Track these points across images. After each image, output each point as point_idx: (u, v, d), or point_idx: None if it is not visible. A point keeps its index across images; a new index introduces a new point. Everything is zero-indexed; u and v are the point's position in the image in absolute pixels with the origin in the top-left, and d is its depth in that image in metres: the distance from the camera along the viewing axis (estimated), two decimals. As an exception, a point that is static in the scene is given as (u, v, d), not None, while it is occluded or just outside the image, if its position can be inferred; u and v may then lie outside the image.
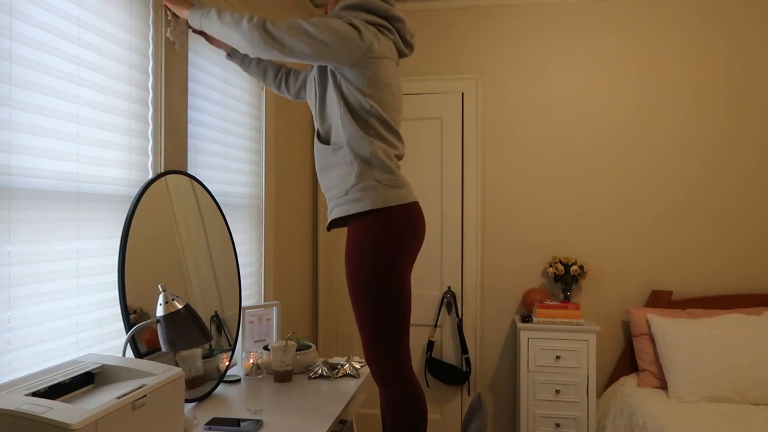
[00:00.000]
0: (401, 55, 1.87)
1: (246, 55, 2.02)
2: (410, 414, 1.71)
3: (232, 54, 2.06)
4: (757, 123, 3.16)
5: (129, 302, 1.60)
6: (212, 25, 1.71)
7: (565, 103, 3.34)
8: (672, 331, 2.84)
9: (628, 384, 2.98)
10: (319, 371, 2.09)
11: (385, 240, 1.67)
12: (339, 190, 1.73)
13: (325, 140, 1.78)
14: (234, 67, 2.46)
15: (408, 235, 1.71)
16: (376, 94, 1.71)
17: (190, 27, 1.94)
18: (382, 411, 1.82)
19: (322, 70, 1.76)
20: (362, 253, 1.68)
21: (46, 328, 1.44)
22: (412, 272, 3.46)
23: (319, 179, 1.84)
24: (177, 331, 1.48)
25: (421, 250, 3.46)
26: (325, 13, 1.91)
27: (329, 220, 1.79)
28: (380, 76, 1.71)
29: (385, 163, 1.70)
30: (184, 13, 1.82)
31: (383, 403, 1.76)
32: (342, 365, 2.11)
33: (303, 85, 2.07)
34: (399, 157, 1.80)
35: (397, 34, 1.82)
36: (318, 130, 1.81)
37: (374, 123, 1.71)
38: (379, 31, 1.75)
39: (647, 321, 3.01)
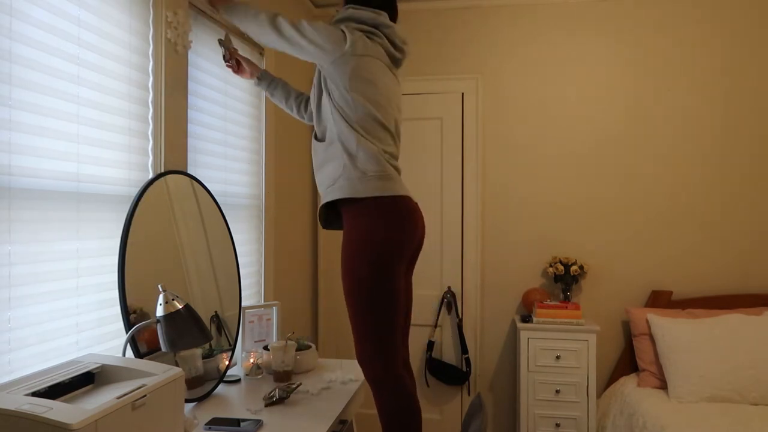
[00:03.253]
0: (393, 59, 1.93)
1: (272, 81, 2.17)
2: (402, 416, 1.69)
3: (260, 79, 2.17)
4: (757, 123, 3.16)
5: (129, 302, 1.60)
6: (238, 14, 1.89)
7: (565, 103, 3.34)
8: (672, 331, 2.84)
9: (628, 384, 2.98)
10: (275, 396, 1.86)
11: (376, 234, 1.70)
12: (328, 181, 1.80)
13: (320, 139, 1.87)
14: (234, 67, 2.46)
15: (399, 228, 1.73)
16: (359, 88, 1.77)
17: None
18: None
19: (318, 77, 1.86)
20: (353, 249, 1.71)
21: (46, 328, 1.44)
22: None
23: (315, 180, 1.89)
24: (177, 331, 1.48)
25: (421, 250, 3.45)
26: None
27: (318, 212, 1.85)
28: (361, 72, 1.78)
29: (371, 155, 1.75)
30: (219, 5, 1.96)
31: (376, 406, 1.75)
32: (294, 385, 1.92)
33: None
34: (392, 156, 1.84)
35: (385, 39, 1.89)
36: (315, 131, 1.89)
37: (361, 119, 1.77)
38: (368, 36, 1.85)
39: (647, 321, 3.01)
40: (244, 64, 2.15)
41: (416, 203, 1.85)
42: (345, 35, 1.78)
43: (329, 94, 1.80)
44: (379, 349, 1.70)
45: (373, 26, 1.87)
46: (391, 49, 1.91)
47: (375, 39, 1.86)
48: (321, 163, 1.84)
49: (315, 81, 1.88)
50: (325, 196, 1.80)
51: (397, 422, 1.70)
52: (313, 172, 3.49)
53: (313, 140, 1.89)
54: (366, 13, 1.86)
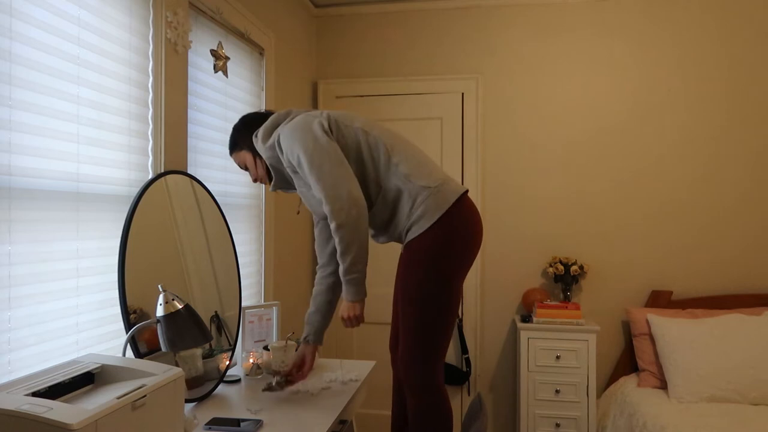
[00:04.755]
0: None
1: (321, 322, 2.03)
2: (438, 425, 1.72)
3: (316, 339, 2.04)
4: (757, 122, 3.16)
5: (129, 302, 1.60)
6: (358, 283, 1.75)
7: (565, 104, 3.34)
8: (672, 331, 2.83)
9: (628, 384, 2.98)
10: (272, 383, 1.96)
11: (456, 242, 1.70)
12: (404, 221, 1.76)
13: (370, 204, 1.81)
14: (233, 67, 2.46)
15: (474, 228, 1.74)
16: (359, 123, 1.80)
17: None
18: (395, 419, 1.83)
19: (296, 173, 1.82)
20: (424, 261, 1.70)
21: (46, 328, 1.44)
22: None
23: (380, 240, 1.87)
24: (177, 331, 1.48)
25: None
26: (255, 180, 1.97)
27: (404, 245, 1.79)
28: (342, 117, 1.80)
29: (420, 168, 1.75)
30: (355, 309, 1.80)
31: (411, 412, 1.76)
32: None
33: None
34: (414, 153, 1.83)
35: (302, 110, 1.89)
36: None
37: (381, 143, 1.77)
38: (292, 119, 1.82)
39: (647, 321, 3.01)
40: (307, 363, 2.00)
41: (467, 190, 1.81)
42: (315, 137, 1.71)
43: (356, 161, 1.78)
44: (430, 356, 1.72)
45: (287, 116, 1.85)
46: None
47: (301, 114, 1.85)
48: (387, 220, 1.80)
49: (305, 190, 1.82)
50: (410, 229, 1.75)
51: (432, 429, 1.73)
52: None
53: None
54: (273, 117, 1.84)
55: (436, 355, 1.73)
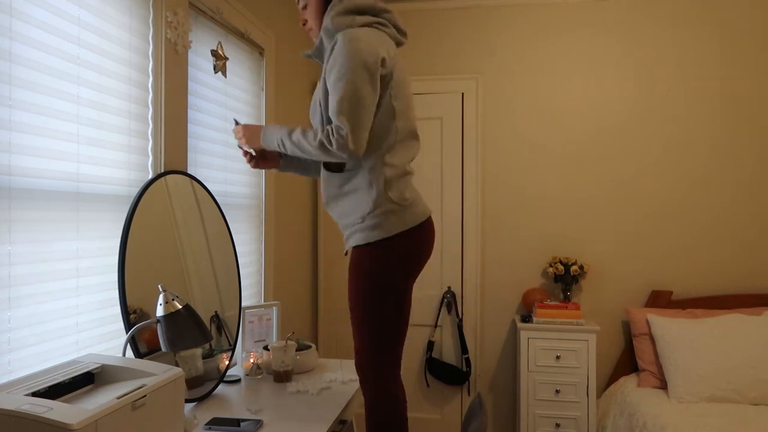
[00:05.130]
0: (399, 43, 1.79)
1: (291, 162, 1.94)
2: (388, 428, 1.65)
3: (283, 166, 1.95)
4: (757, 121, 3.16)
5: (129, 302, 1.60)
6: (286, 148, 1.67)
7: (565, 104, 3.34)
8: (672, 331, 2.83)
9: (628, 384, 2.98)
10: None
11: (397, 264, 1.62)
12: (354, 217, 1.65)
13: (335, 167, 1.68)
14: (234, 67, 2.46)
15: (420, 255, 1.66)
16: (401, 104, 1.64)
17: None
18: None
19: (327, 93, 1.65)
20: (369, 275, 1.62)
21: (46, 328, 1.44)
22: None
23: (328, 210, 1.74)
24: (177, 331, 1.48)
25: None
26: (304, 24, 1.78)
27: (346, 249, 1.72)
28: (398, 94, 1.64)
29: (401, 180, 1.64)
30: (256, 143, 1.75)
31: (365, 416, 1.70)
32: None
33: None
34: (411, 160, 1.73)
35: (391, 26, 1.73)
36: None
37: (392, 141, 1.63)
38: (377, 28, 1.67)
39: (647, 321, 3.01)
40: (265, 155, 1.91)
41: (430, 214, 1.73)
42: (371, 76, 1.55)
43: None
44: (380, 359, 1.64)
45: (375, 15, 1.68)
46: (397, 35, 1.74)
47: (383, 29, 1.68)
48: (341, 194, 1.68)
49: (320, 100, 1.66)
50: (354, 234, 1.65)
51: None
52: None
53: (324, 170, 1.71)
54: (363, 1, 1.65)
55: (387, 361, 1.65)
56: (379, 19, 1.68)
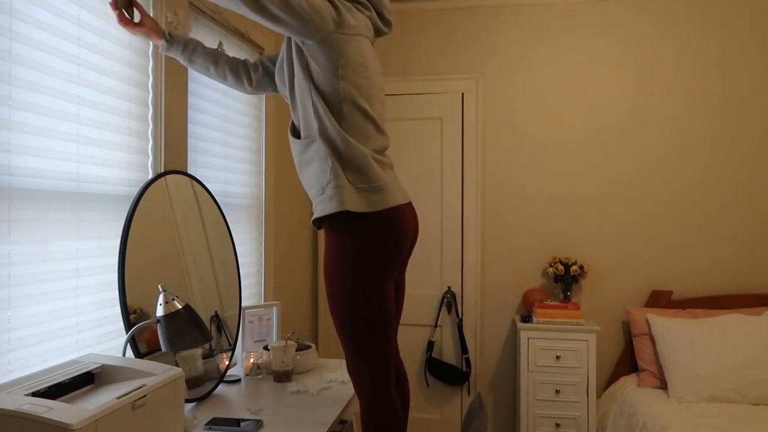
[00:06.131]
0: (379, 33, 1.73)
1: (187, 43, 1.75)
2: (382, 430, 1.60)
3: (169, 42, 1.74)
4: (757, 121, 3.16)
5: (129, 302, 1.60)
6: None
7: (565, 103, 3.34)
8: (672, 331, 2.83)
9: (628, 384, 2.98)
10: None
11: (362, 252, 1.52)
12: (316, 188, 1.57)
13: (297, 133, 1.62)
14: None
15: (388, 245, 1.55)
16: (351, 77, 1.53)
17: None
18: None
19: (291, 54, 1.58)
20: (337, 266, 1.55)
21: (46, 328, 1.44)
22: (412, 273, 3.46)
23: (299, 178, 1.68)
24: (177, 331, 1.48)
25: (421, 250, 3.46)
26: None
27: (312, 221, 1.64)
28: (354, 54, 1.54)
29: (359, 162, 1.53)
30: None
31: (361, 418, 1.65)
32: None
33: (266, 74, 1.84)
34: (380, 151, 1.62)
35: (373, 10, 1.68)
36: (292, 121, 1.64)
37: (349, 112, 1.54)
38: (355, 7, 1.61)
39: (647, 321, 3.01)
40: (144, 18, 1.68)
41: (408, 203, 1.63)
42: (333, 6, 1.51)
43: (311, 78, 1.53)
44: (368, 360, 1.58)
45: None
46: (378, 22, 1.69)
47: (363, 11, 1.63)
48: (304, 163, 1.60)
49: (285, 55, 1.59)
50: (316, 207, 1.58)
51: None
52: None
53: (290, 135, 1.65)
54: None
55: (376, 365, 1.59)
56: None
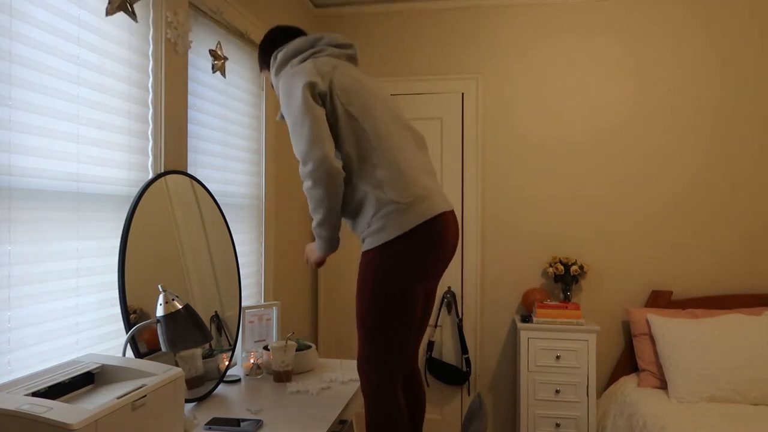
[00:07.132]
0: (349, 58, 1.83)
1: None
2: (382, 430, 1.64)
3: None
4: (756, 121, 3.16)
5: (129, 302, 1.60)
6: (324, 232, 1.70)
7: (565, 104, 3.34)
8: (672, 331, 2.83)
9: (628, 384, 2.98)
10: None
11: (401, 256, 1.60)
12: (362, 226, 1.67)
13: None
14: (234, 67, 2.46)
15: (431, 256, 1.62)
16: (357, 107, 1.66)
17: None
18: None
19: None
20: (376, 264, 1.62)
21: (46, 328, 1.44)
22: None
23: (350, 227, 1.77)
24: (177, 331, 1.48)
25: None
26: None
27: (362, 252, 1.71)
28: (346, 87, 1.67)
29: (399, 177, 1.62)
30: (319, 255, 1.79)
31: (366, 422, 1.69)
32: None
33: None
34: (410, 154, 1.69)
35: (328, 47, 1.79)
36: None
37: (369, 135, 1.64)
38: (314, 57, 1.74)
39: (647, 321, 3.01)
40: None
41: (450, 212, 1.69)
42: (307, 106, 1.61)
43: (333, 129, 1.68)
44: (383, 365, 1.63)
45: (311, 47, 1.77)
46: (342, 51, 1.80)
47: (319, 55, 1.75)
48: (348, 214, 1.71)
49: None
50: (366, 238, 1.65)
51: None
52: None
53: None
54: (295, 43, 1.77)
55: (388, 366, 1.64)
56: (314, 50, 1.76)
